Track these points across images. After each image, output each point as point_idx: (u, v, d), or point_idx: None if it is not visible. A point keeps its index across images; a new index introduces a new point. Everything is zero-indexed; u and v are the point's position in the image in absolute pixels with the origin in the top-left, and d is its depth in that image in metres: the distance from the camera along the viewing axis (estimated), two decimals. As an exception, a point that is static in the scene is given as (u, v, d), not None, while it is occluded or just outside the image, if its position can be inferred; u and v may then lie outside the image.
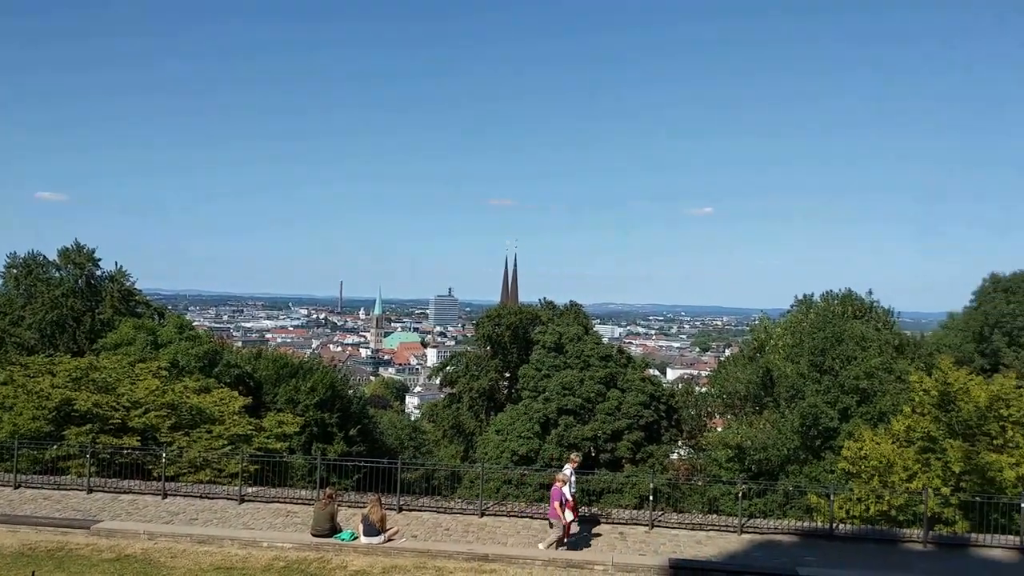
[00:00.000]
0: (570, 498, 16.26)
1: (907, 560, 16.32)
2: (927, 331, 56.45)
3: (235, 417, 25.30)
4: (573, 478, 16.88)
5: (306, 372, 36.48)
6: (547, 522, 17.16)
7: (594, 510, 19.90)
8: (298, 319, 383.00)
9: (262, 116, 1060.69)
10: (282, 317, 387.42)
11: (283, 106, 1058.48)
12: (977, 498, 18.52)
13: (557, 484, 16.13)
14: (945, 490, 19.90)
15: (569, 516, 16.10)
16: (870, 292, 41.14)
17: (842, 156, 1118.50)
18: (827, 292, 41.37)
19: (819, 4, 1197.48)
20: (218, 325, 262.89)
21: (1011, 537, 17.21)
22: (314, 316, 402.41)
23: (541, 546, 16.01)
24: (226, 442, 23.73)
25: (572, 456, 18.10)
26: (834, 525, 18.06)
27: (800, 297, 42.97)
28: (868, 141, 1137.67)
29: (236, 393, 27.61)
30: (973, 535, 17.85)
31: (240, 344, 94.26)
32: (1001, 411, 20.87)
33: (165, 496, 19.37)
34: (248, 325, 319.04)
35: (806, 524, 18.95)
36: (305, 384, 34.70)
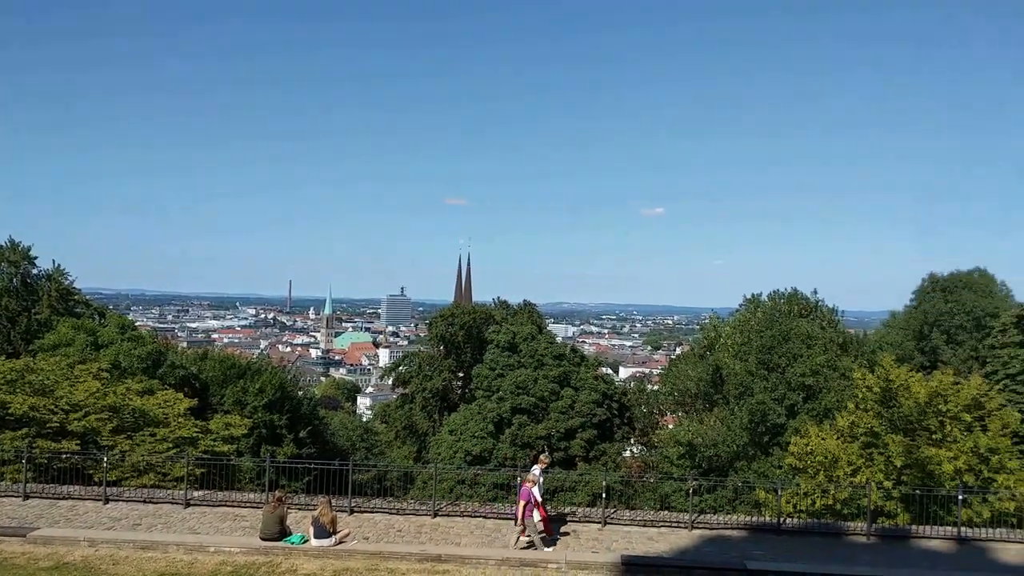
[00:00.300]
0: (539, 498, 16.22)
1: (852, 552, 16.72)
2: (870, 329, 58.13)
3: (180, 419, 24.68)
4: (541, 479, 16.84)
5: (254, 373, 35.71)
6: (505, 521, 17.16)
7: (548, 508, 19.94)
8: (246, 319, 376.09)
9: (219, 117, 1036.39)
10: (229, 317, 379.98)
11: (281, 106, 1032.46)
12: (917, 491, 19.10)
13: (526, 485, 16.03)
14: (887, 484, 20.50)
15: (537, 517, 16.06)
16: (815, 291, 42.05)
17: (786, 159, 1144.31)
18: (774, 291, 42.15)
19: (794, 4, 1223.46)
20: (162, 325, 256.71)
21: (949, 528, 17.80)
22: (262, 316, 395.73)
23: (512, 544, 16.00)
24: (171, 445, 23.11)
25: (541, 457, 18.05)
26: (782, 519, 18.42)
27: (748, 296, 43.71)
28: (816, 144, 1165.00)
29: (181, 395, 26.93)
30: (914, 527, 18.40)
31: (185, 345, 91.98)
32: (940, 407, 21.59)
33: (106, 501, 18.76)
34: (193, 325, 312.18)
35: (755, 519, 19.29)
36: (253, 385, 33.99)
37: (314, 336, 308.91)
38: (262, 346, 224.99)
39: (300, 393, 41.85)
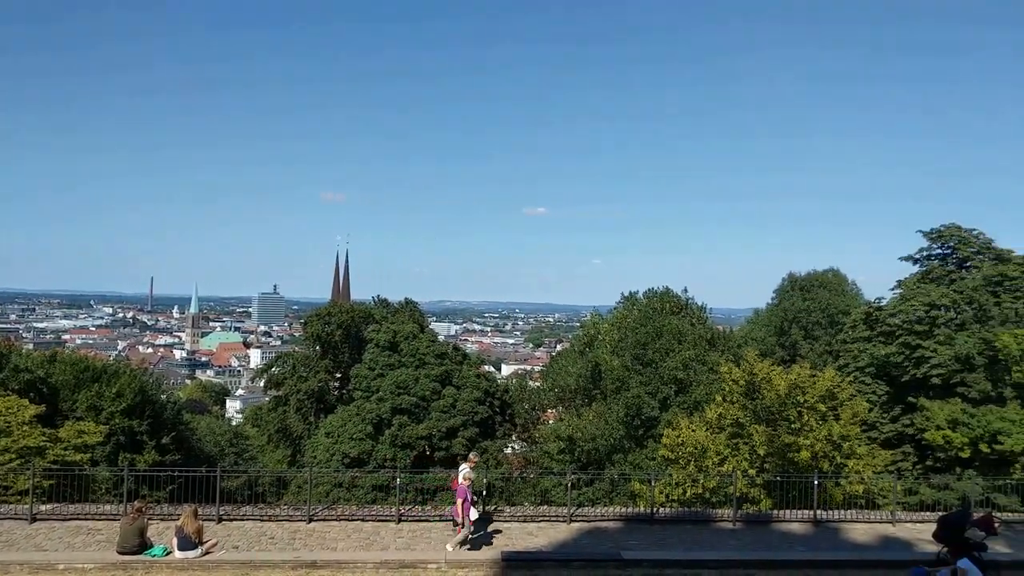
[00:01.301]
0: (471, 497, 16.14)
1: (719, 538, 17.48)
2: (736, 325, 61.37)
3: (25, 427, 22.66)
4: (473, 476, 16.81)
5: (111, 376, 33.31)
6: (384, 523, 16.89)
7: (427, 508, 19.71)
8: (102, 318, 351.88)
9: (81, 101, 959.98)
10: (83, 316, 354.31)
11: (147, 93, 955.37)
12: (778, 477, 20.25)
13: (464, 484, 15.86)
14: (752, 471, 21.61)
15: (475, 515, 15.97)
16: (685, 290, 43.84)
17: (660, 165, 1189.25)
18: (649, 290, 43.58)
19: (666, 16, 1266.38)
20: (4, 325, 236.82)
21: (807, 511, 18.93)
22: (120, 315, 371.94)
23: (448, 547, 15.73)
24: (14, 456, 21.19)
25: (471, 456, 18.05)
26: (655, 509, 19.00)
27: (626, 294, 45.01)
28: (687, 150, 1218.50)
29: (26, 401, 24.73)
30: (775, 511, 19.48)
31: (31, 346, 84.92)
32: (798, 398, 22.96)
33: (-64, 520, 16.93)
34: (41, 325, 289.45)
35: (630, 510, 19.82)
36: (110, 389, 31.72)
37: (178, 336, 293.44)
38: (120, 347, 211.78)
39: (163, 397, 39.55)
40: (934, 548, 14.55)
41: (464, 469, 16.59)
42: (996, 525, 15.17)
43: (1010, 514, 20.72)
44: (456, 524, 16.12)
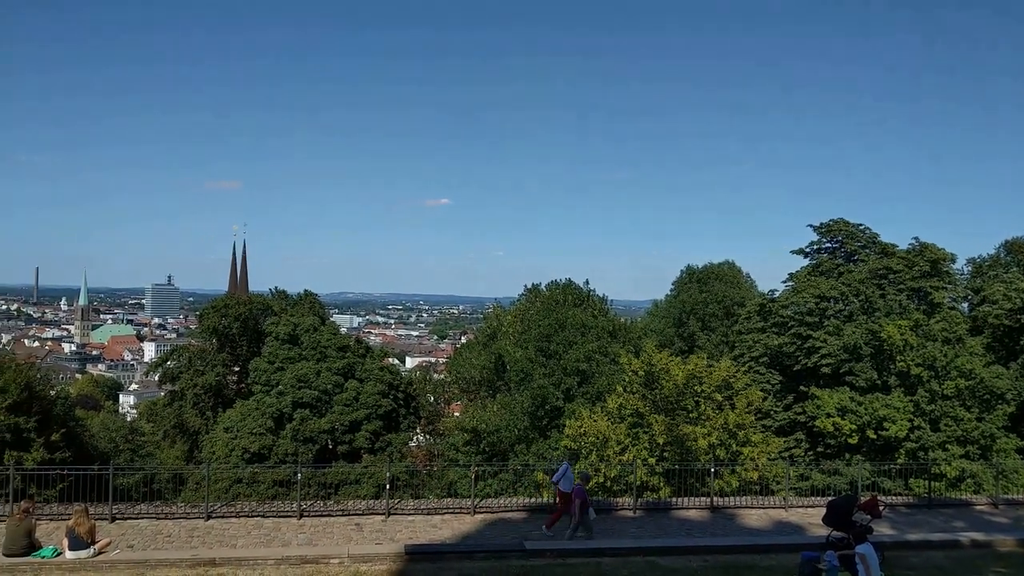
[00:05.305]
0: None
1: (621, 526, 18.05)
2: (636, 317, 63.04)
3: None
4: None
5: (-6, 371, 31.23)
6: (285, 519, 16.73)
7: (330, 503, 19.48)
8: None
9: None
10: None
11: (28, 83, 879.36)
12: (677, 466, 21.00)
13: (580, 482, 17.10)
14: (651, 460, 22.31)
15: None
16: (587, 282, 44.53)
17: (553, 160, 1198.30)
18: (552, 282, 44.10)
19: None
20: None
21: (704, 499, 19.76)
22: (3, 307, 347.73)
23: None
24: None
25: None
26: (558, 499, 19.37)
27: (528, 286, 45.37)
28: (582, 147, 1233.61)
29: None
30: (674, 499, 20.24)
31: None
32: (695, 388, 23.87)
33: None
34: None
35: (534, 500, 20.20)
36: (-8, 385, 29.73)
37: (67, 329, 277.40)
38: (3, 340, 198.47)
39: (52, 392, 37.44)
40: (824, 531, 15.49)
41: (574, 470, 17.82)
42: (881, 508, 16.31)
43: (894, 497, 22.11)
44: (571, 517, 16.85)
